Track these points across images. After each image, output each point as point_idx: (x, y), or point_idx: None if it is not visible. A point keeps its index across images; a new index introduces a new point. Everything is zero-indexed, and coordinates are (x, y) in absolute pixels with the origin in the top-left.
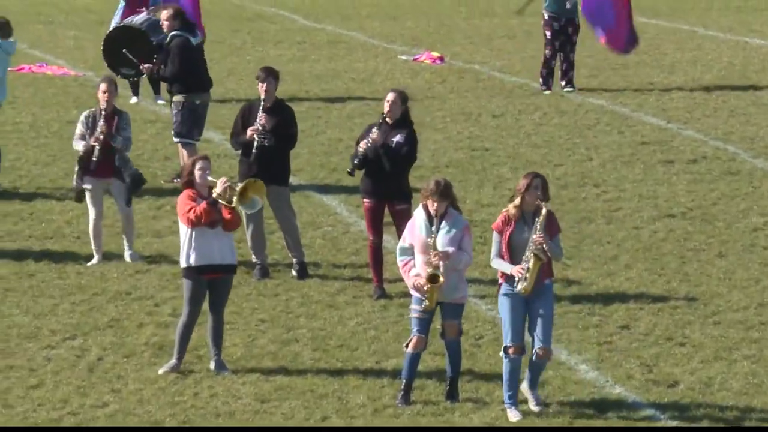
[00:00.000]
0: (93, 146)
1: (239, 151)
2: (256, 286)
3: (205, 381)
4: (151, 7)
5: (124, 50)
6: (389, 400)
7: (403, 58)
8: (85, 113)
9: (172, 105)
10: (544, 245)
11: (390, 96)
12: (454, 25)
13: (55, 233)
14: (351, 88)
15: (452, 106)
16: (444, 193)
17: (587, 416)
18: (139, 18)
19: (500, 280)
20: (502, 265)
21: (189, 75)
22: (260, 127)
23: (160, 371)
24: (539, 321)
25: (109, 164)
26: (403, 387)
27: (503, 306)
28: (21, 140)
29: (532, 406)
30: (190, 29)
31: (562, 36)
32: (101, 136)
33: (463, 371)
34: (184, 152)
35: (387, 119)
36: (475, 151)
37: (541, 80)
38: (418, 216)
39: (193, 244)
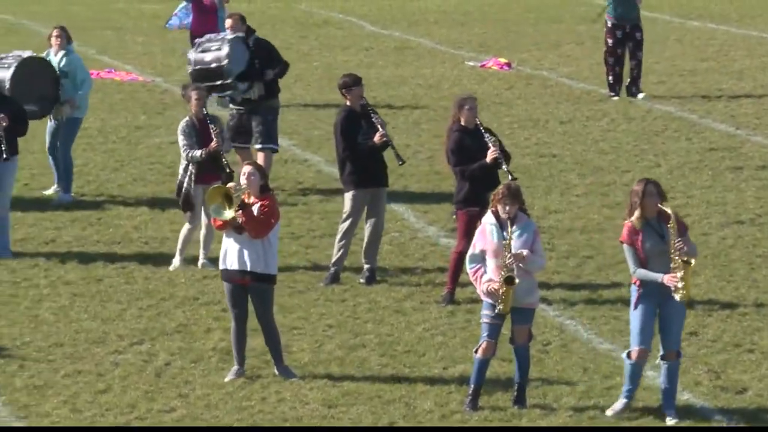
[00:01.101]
0: (212, 151)
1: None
2: (323, 291)
3: (272, 386)
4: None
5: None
6: (457, 405)
7: (471, 64)
8: (183, 124)
9: (262, 112)
10: (686, 248)
11: (469, 103)
12: (521, 32)
13: (123, 238)
14: (418, 94)
15: (519, 112)
16: (515, 196)
17: (655, 422)
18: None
19: (635, 285)
20: (649, 275)
21: (274, 80)
22: (384, 132)
23: (226, 378)
24: (670, 325)
25: (214, 169)
26: (470, 393)
27: (638, 310)
28: (89, 146)
29: (670, 420)
30: (251, 34)
31: (630, 42)
32: (214, 143)
33: (531, 377)
34: (269, 157)
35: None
36: (542, 157)
37: (608, 87)
38: (488, 221)
39: (227, 248)
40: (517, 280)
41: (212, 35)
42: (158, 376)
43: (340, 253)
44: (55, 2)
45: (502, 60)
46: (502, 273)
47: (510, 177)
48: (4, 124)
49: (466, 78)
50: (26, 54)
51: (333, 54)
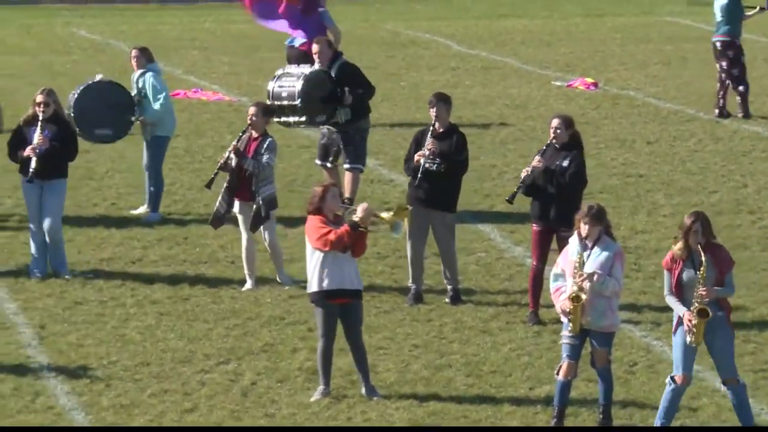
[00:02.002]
0: (228, 167)
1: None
2: (409, 311)
3: (358, 406)
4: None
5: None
6: (543, 426)
7: (557, 84)
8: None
9: (350, 131)
10: (710, 296)
11: (555, 122)
12: (608, 51)
13: (210, 258)
14: (505, 114)
15: (606, 132)
16: (596, 216)
17: None
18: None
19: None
20: (674, 305)
21: (362, 101)
22: (427, 152)
23: (312, 399)
24: (718, 355)
25: (248, 187)
26: (555, 414)
27: (677, 336)
28: (176, 165)
29: None
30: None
31: (738, 63)
32: (232, 156)
33: (617, 398)
34: (356, 178)
35: (555, 144)
36: (629, 177)
37: (717, 110)
38: (573, 242)
39: (326, 268)
40: (583, 297)
41: (293, 67)
42: (244, 395)
43: (412, 272)
44: (143, 22)
45: (589, 80)
46: (573, 290)
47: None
48: (44, 146)
49: (552, 98)
50: (95, 79)
51: (420, 74)
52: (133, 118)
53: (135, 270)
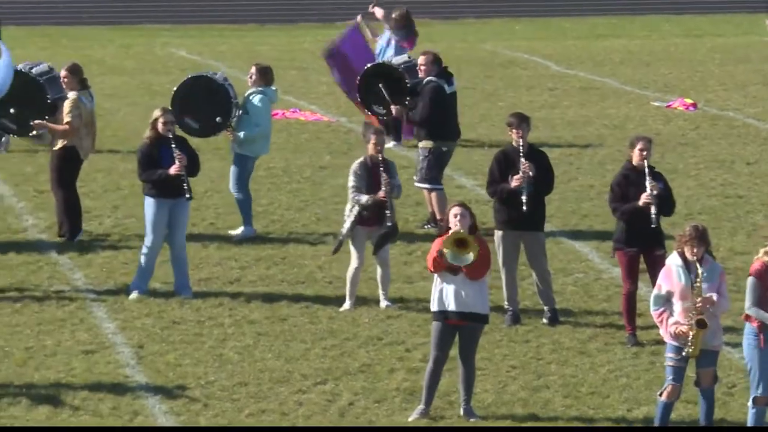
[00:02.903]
0: (380, 199)
1: (493, 199)
2: (507, 332)
3: (456, 427)
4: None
5: (380, 85)
6: None
7: (656, 104)
8: (356, 165)
9: (419, 151)
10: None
11: (641, 144)
12: (707, 72)
13: (308, 278)
14: (603, 134)
15: (705, 153)
16: (702, 237)
17: None
18: (399, 58)
19: (754, 328)
20: (761, 315)
21: (438, 122)
22: (530, 173)
23: (410, 418)
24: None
25: (380, 213)
26: None
27: (754, 354)
28: (274, 185)
29: None
30: (446, 76)
31: None
32: (383, 193)
33: (716, 420)
34: (432, 197)
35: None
36: (728, 198)
37: None
38: (674, 263)
39: (436, 289)
40: (708, 323)
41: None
42: (342, 415)
43: (506, 293)
44: (241, 43)
45: (688, 100)
46: (691, 315)
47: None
48: (184, 163)
49: (651, 118)
50: (210, 73)
51: (518, 94)
52: (224, 123)
53: (233, 290)
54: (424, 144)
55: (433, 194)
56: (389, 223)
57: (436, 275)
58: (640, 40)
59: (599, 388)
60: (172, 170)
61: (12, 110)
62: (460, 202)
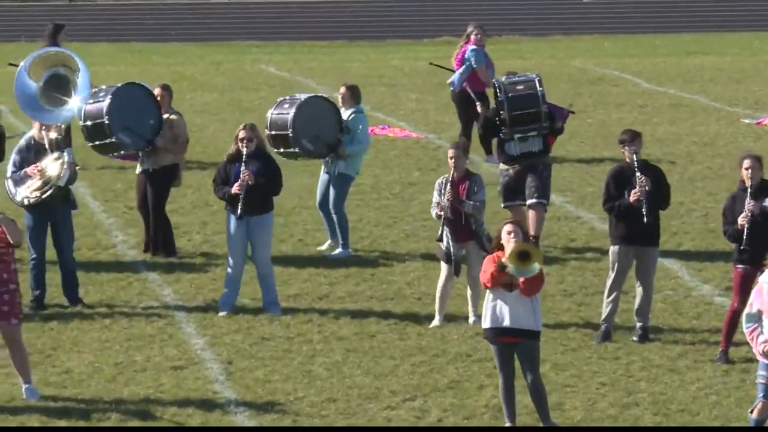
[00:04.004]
0: (439, 213)
1: (610, 215)
2: (596, 349)
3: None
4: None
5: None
6: None
7: (747, 121)
8: (439, 180)
9: (541, 167)
10: None
11: (748, 162)
12: None
13: (396, 294)
14: (693, 151)
15: None
16: None
17: None
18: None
19: None
20: None
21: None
22: (644, 188)
23: None
24: None
25: (463, 228)
26: None
27: None
28: (362, 201)
29: None
30: None
31: None
32: (448, 202)
33: None
34: (535, 214)
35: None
36: None
37: None
38: (765, 281)
39: (488, 306)
40: None
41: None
42: None
43: (608, 310)
44: (330, 59)
45: None
46: None
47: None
48: (250, 182)
49: (741, 135)
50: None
51: (607, 111)
52: (338, 143)
53: (322, 306)
54: (549, 160)
55: (540, 211)
56: (484, 239)
57: (488, 292)
58: (731, 57)
59: (689, 405)
60: (234, 188)
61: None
62: (514, 220)
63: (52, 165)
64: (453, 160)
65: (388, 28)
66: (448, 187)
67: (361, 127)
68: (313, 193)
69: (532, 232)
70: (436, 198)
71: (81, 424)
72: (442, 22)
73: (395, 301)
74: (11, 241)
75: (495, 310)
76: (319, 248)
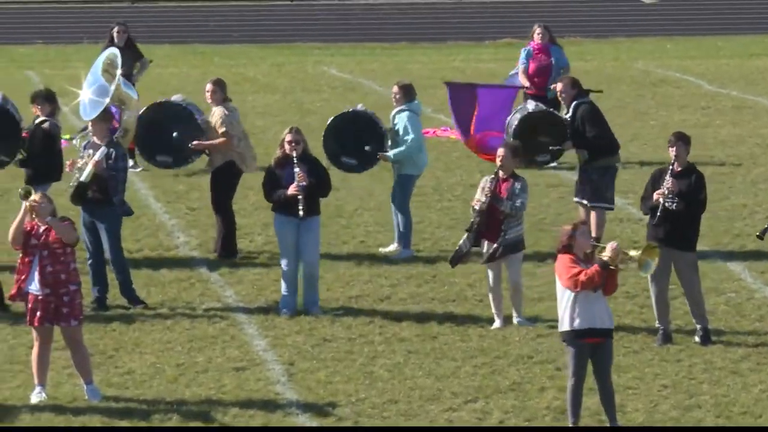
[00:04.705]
0: (482, 212)
1: (647, 215)
2: (658, 351)
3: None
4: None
5: (550, 148)
6: None
7: None
8: (486, 178)
9: (595, 170)
10: None
11: None
12: None
13: (458, 296)
14: (755, 153)
15: None
16: None
17: None
18: (531, 103)
19: None
20: None
21: (608, 139)
22: (666, 191)
23: None
24: None
25: (494, 228)
26: None
27: None
28: (424, 203)
29: None
30: (587, 95)
31: None
32: (486, 200)
33: None
34: (595, 215)
35: None
36: None
37: None
38: None
39: (576, 308)
40: None
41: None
42: None
43: (658, 312)
44: (392, 61)
45: None
46: None
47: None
48: (304, 183)
49: None
50: (355, 108)
51: (669, 113)
52: (378, 155)
53: (383, 308)
54: (603, 163)
55: (598, 212)
56: (501, 242)
57: (573, 295)
58: None
59: (752, 408)
60: (290, 190)
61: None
62: (584, 221)
63: (84, 161)
64: (500, 159)
65: (450, 30)
66: (489, 184)
67: (404, 127)
68: (374, 195)
69: (593, 233)
70: (478, 194)
71: (142, 424)
72: (504, 23)
73: (457, 303)
74: (66, 242)
75: (580, 311)
76: (381, 249)
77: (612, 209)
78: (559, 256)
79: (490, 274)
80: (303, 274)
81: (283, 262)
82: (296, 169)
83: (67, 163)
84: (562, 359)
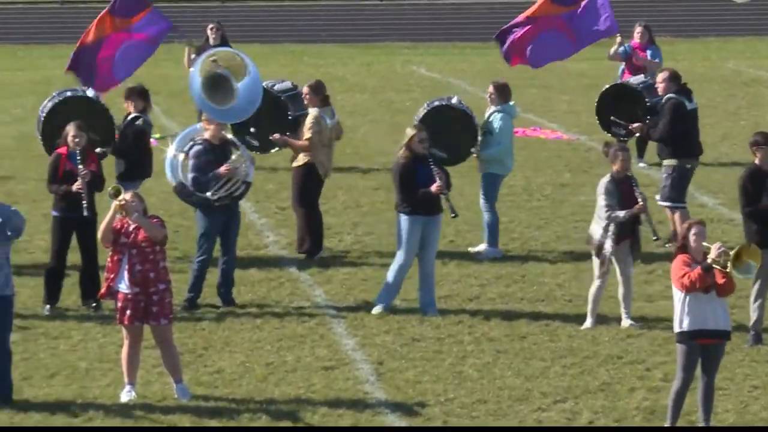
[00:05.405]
0: (635, 212)
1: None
2: (748, 352)
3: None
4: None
5: (612, 117)
6: None
7: None
8: (605, 183)
9: (663, 169)
10: None
11: None
12: None
13: (547, 296)
14: None
15: None
16: None
17: None
18: (636, 78)
19: None
20: None
21: (681, 139)
22: None
23: None
24: None
25: (628, 227)
26: None
27: None
28: (513, 203)
29: None
30: (686, 93)
31: None
32: (644, 202)
33: None
34: (675, 216)
35: None
36: None
37: None
38: None
39: (686, 308)
40: None
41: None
42: None
43: (755, 315)
44: (482, 61)
45: None
46: None
47: None
48: (443, 180)
49: None
50: (452, 101)
51: (761, 112)
52: (472, 150)
53: (472, 307)
54: (668, 162)
55: (676, 213)
56: (654, 238)
57: (684, 295)
58: None
59: None
60: (434, 188)
61: (252, 129)
62: (700, 221)
63: (238, 162)
64: (625, 161)
65: None
66: (616, 186)
67: (498, 129)
68: (464, 195)
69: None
70: (608, 200)
71: (232, 424)
72: None
73: (546, 303)
74: (153, 240)
75: (690, 312)
76: (470, 249)
77: (678, 208)
78: (677, 255)
79: (600, 274)
80: (421, 274)
81: (401, 261)
82: (434, 168)
83: (225, 168)
84: (652, 359)
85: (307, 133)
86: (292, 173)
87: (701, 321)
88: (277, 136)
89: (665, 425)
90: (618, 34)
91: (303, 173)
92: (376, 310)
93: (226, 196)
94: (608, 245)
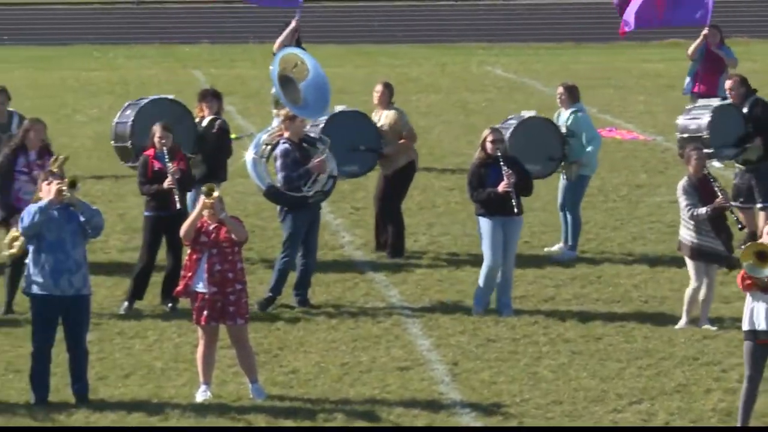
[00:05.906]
0: (717, 208)
1: None
2: None
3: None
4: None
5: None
6: None
7: None
8: (683, 184)
9: (761, 169)
10: None
11: None
12: None
13: (623, 297)
14: None
15: None
16: None
17: None
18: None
19: None
20: None
21: None
22: None
23: None
24: None
25: (718, 226)
26: None
27: None
28: (589, 204)
29: None
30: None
31: None
32: (720, 200)
33: None
34: (763, 216)
35: None
36: None
37: None
38: None
39: (750, 308)
40: None
41: (703, 101)
42: None
43: None
44: (557, 61)
45: None
46: None
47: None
48: (512, 180)
49: None
50: (528, 114)
51: None
52: (560, 158)
53: (548, 308)
54: None
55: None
56: (740, 227)
57: (748, 294)
58: None
59: None
60: (500, 188)
61: (362, 147)
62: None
63: (324, 158)
64: (699, 161)
65: (615, 30)
66: (695, 186)
67: (586, 127)
68: (540, 196)
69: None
70: (688, 200)
71: (307, 424)
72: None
73: (621, 304)
74: (237, 240)
75: (752, 312)
76: (546, 250)
77: None
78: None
79: (695, 279)
80: (505, 273)
81: (489, 264)
82: (504, 168)
83: (317, 163)
84: (728, 361)
85: (403, 130)
86: (392, 176)
87: (757, 321)
88: (387, 149)
89: (736, 425)
90: (706, 27)
91: (408, 172)
92: (476, 312)
93: (320, 192)
94: (703, 210)
